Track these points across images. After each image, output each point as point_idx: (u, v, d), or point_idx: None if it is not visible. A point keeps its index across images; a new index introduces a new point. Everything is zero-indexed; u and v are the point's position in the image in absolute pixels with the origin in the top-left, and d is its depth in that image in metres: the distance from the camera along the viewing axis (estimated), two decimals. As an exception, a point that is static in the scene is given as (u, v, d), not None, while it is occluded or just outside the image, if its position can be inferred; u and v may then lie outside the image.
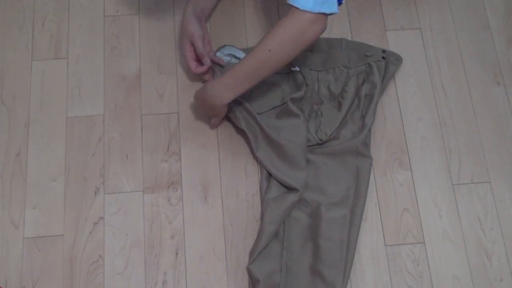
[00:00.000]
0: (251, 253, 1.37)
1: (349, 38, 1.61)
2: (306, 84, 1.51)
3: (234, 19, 1.63)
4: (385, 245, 1.41)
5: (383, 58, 1.54)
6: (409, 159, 1.49)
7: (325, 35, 1.61)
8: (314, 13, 1.26)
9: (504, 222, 1.43)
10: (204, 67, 1.50)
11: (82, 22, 1.63)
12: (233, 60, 1.54)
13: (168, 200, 1.45)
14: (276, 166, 1.43)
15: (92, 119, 1.52)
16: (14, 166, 1.47)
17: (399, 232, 1.42)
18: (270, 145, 1.44)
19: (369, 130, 1.47)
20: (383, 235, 1.42)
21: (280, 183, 1.42)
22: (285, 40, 1.30)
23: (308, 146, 1.46)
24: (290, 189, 1.41)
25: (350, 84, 1.50)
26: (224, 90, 1.37)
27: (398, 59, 1.56)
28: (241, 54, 1.53)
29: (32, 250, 1.39)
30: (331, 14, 1.29)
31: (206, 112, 1.48)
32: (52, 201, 1.44)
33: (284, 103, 1.49)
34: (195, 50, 1.50)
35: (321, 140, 1.46)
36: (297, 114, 1.45)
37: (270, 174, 1.44)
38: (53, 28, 1.62)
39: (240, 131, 1.49)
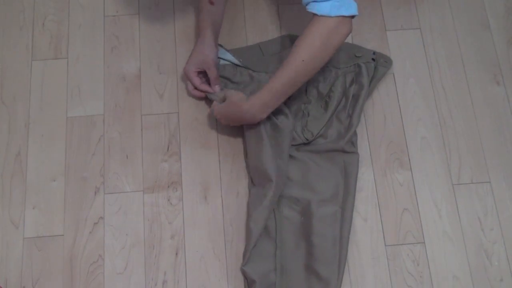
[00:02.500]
0: (243, 254, 1.37)
1: (349, 38, 1.61)
2: None
3: (234, 19, 1.63)
4: (385, 245, 1.41)
5: (373, 59, 1.54)
6: (409, 159, 1.49)
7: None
8: (334, 17, 1.29)
9: (504, 222, 1.43)
10: (203, 94, 1.50)
11: (82, 22, 1.63)
12: (222, 61, 1.53)
13: (168, 200, 1.45)
14: (255, 151, 1.43)
15: (92, 119, 1.52)
16: (14, 166, 1.47)
17: (399, 232, 1.42)
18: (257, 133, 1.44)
19: (355, 130, 1.48)
20: (383, 235, 1.42)
21: (257, 172, 1.42)
22: (315, 47, 1.33)
23: (294, 145, 1.46)
24: (260, 183, 1.40)
25: (337, 84, 1.51)
26: (263, 107, 1.39)
27: (388, 61, 1.56)
28: (229, 56, 1.53)
29: (32, 250, 1.39)
30: (352, 16, 1.33)
31: (230, 124, 1.47)
32: (52, 201, 1.44)
33: None
34: (204, 75, 1.50)
35: (307, 140, 1.46)
36: (285, 112, 1.46)
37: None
38: (53, 28, 1.62)
39: (240, 132, 1.49)
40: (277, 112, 1.45)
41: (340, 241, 1.36)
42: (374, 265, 1.39)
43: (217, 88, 1.48)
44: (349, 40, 1.60)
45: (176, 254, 1.40)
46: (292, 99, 1.49)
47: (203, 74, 1.50)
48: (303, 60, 1.33)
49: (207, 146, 1.50)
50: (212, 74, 1.47)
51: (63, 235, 1.41)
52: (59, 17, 1.64)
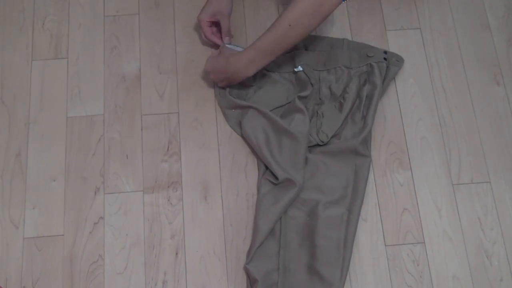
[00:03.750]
0: (248, 252, 1.37)
1: (349, 38, 1.61)
2: (312, 84, 1.52)
3: (234, 19, 1.63)
4: (385, 245, 1.41)
5: (385, 59, 1.54)
6: (409, 159, 1.49)
7: (326, 34, 1.62)
8: None
9: (504, 222, 1.43)
10: (217, 41, 1.53)
11: (82, 22, 1.63)
12: None
13: (168, 200, 1.45)
14: (275, 156, 1.43)
15: (92, 119, 1.52)
16: (14, 166, 1.47)
17: (399, 232, 1.42)
18: (277, 136, 1.45)
19: (370, 131, 1.47)
20: (383, 235, 1.42)
21: (275, 175, 1.42)
22: (303, 13, 1.34)
23: (308, 147, 1.46)
24: (283, 183, 1.40)
25: (351, 85, 1.50)
26: (248, 64, 1.42)
27: (399, 60, 1.56)
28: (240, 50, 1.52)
29: (32, 250, 1.39)
30: None
31: (219, 82, 1.51)
32: (52, 201, 1.44)
33: (288, 102, 1.50)
34: (216, 27, 1.54)
35: (322, 142, 1.46)
36: (302, 110, 1.46)
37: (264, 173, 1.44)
38: (53, 28, 1.62)
39: (241, 131, 1.49)
40: (294, 110, 1.46)
41: (345, 243, 1.36)
42: (374, 265, 1.39)
43: (227, 39, 1.52)
44: (351, 39, 1.60)
45: (176, 254, 1.40)
46: (308, 99, 1.49)
47: (216, 25, 1.54)
48: (290, 25, 1.35)
49: (207, 146, 1.50)
50: (224, 26, 1.52)
51: (63, 235, 1.41)
52: (59, 17, 1.64)
